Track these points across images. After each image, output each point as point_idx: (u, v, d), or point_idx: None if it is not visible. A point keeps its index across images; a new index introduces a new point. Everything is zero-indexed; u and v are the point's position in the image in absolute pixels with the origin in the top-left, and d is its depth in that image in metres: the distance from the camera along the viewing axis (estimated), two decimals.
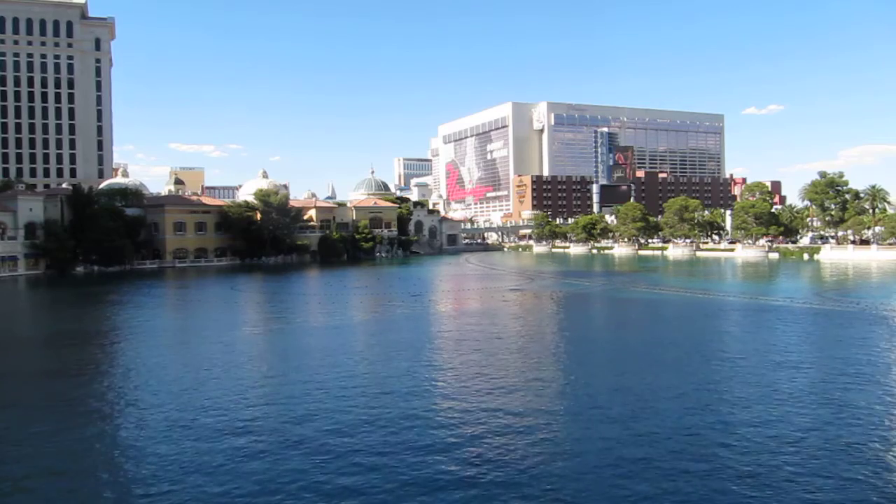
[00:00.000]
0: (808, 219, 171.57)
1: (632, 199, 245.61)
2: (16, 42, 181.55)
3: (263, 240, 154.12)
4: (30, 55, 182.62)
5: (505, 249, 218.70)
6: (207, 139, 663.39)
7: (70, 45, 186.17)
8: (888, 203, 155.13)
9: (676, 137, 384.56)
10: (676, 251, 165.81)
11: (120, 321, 62.04)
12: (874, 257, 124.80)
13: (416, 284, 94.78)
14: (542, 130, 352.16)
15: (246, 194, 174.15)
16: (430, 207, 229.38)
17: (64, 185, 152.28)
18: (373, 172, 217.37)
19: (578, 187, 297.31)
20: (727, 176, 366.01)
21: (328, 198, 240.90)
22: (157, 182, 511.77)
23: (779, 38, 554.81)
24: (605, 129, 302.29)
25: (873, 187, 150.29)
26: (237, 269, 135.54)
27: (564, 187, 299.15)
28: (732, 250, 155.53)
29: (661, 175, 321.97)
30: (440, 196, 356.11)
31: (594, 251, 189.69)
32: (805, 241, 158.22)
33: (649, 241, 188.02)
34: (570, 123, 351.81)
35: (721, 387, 31.49)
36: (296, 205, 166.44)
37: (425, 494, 19.74)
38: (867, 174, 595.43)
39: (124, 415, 28.97)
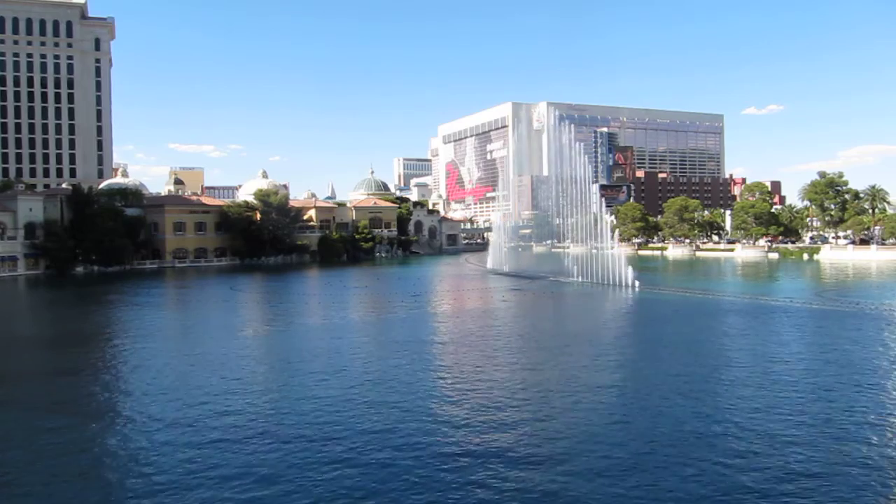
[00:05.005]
0: (808, 219, 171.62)
1: (631, 200, 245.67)
2: (16, 42, 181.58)
3: (263, 240, 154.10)
4: (30, 55, 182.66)
5: (505, 249, 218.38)
6: (207, 139, 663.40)
7: (70, 45, 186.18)
8: (888, 203, 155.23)
9: (676, 137, 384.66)
10: (676, 251, 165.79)
11: (120, 321, 62.10)
12: (874, 257, 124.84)
13: (416, 284, 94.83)
14: (541, 130, 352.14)
15: (246, 194, 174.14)
16: (430, 207, 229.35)
17: (64, 185, 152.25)
18: (372, 172, 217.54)
19: (578, 187, 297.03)
20: (727, 176, 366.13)
21: (328, 198, 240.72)
22: (157, 182, 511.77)
23: (779, 38, 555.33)
24: (605, 129, 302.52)
25: (873, 187, 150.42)
26: (237, 270, 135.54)
27: (564, 187, 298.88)
28: (732, 250, 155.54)
29: (660, 175, 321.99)
30: (440, 196, 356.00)
31: (594, 251, 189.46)
32: (805, 240, 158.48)
33: (649, 241, 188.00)
34: (570, 123, 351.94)
35: (719, 386, 31.50)
36: (296, 205, 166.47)
37: (425, 493, 19.80)
38: (867, 174, 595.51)
39: (125, 415, 28.99)
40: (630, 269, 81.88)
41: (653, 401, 29.22)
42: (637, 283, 78.45)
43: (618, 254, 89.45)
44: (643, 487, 19.97)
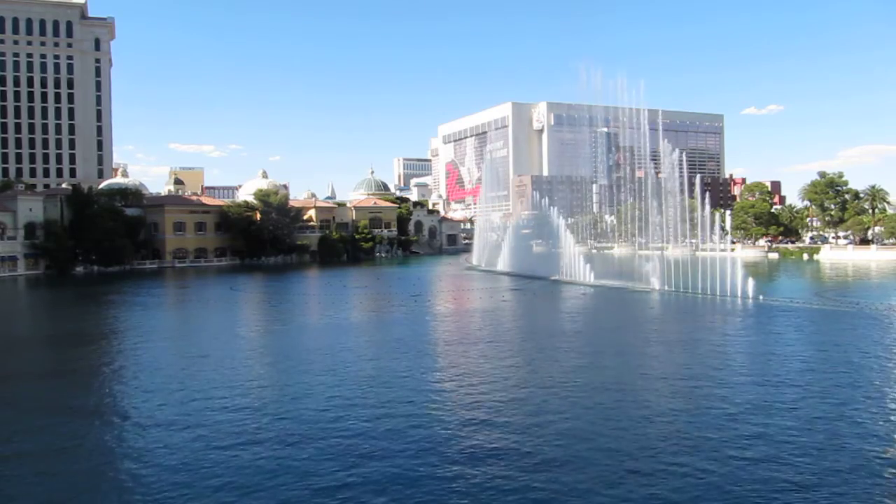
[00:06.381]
0: (808, 219, 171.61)
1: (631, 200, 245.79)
2: (16, 42, 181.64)
3: (263, 240, 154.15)
4: (30, 55, 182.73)
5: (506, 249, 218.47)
6: (207, 139, 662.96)
7: (70, 45, 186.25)
8: (888, 203, 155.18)
9: (676, 137, 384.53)
10: (676, 251, 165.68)
11: (120, 321, 62.10)
12: (874, 257, 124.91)
13: (415, 284, 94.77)
14: (541, 130, 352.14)
15: (246, 194, 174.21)
16: (430, 207, 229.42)
17: (64, 185, 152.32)
18: (372, 172, 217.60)
19: (578, 187, 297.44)
20: (727, 176, 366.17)
21: (328, 198, 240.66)
22: (157, 182, 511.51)
23: (779, 38, 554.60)
24: (605, 130, 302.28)
25: (873, 187, 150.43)
26: (237, 269, 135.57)
27: (564, 188, 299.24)
28: (732, 250, 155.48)
29: (660, 175, 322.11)
30: (440, 196, 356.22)
31: (594, 251, 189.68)
32: (805, 240, 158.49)
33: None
34: (570, 123, 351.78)
35: (718, 386, 31.48)
36: (296, 205, 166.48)
37: (423, 492, 19.80)
38: (867, 174, 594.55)
39: (125, 415, 28.96)
40: (749, 277, 66.89)
41: (652, 397, 29.12)
42: (760, 294, 64.15)
43: (728, 256, 73.65)
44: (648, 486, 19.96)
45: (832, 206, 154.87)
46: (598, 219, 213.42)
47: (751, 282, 65.13)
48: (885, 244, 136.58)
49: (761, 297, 63.08)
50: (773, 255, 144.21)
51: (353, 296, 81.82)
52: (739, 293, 64.95)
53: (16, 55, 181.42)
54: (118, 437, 25.92)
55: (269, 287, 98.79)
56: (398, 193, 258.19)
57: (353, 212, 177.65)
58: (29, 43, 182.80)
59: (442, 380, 34.58)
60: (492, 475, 20.99)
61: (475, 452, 23.05)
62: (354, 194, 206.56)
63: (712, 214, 79.12)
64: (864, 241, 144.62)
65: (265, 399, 30.76)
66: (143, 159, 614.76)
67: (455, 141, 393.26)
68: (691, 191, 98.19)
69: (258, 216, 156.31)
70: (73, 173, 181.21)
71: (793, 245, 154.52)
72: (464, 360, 39.06)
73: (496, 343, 44.46)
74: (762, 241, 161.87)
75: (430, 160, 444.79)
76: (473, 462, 22.15)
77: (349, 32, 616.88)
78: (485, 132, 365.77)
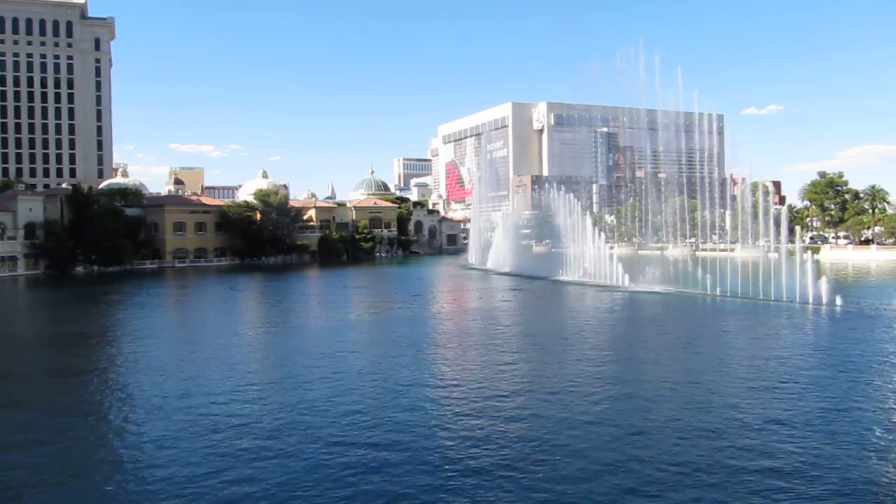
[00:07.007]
0: (808, 219, 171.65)
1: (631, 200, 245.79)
2: (16, 42, 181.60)
3: (263, 240, 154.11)
4: (30, 55, 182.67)
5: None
6: (207, 139, 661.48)
7: (70, 45, 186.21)
8: (888, 203, 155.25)
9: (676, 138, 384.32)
10: (675, 251, 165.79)
11: (120, 321, 62.12)
12: (873, 257, 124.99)
13: (416, 284, 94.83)
14: (541, 130, 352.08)
15: (246, 194, 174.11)
16: (430, 207, 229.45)
17: (64, 185, 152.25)
18: (372, 172, 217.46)
19: (578, 187, 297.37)
20: (727, 176, 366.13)
21: (328, 198, 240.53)
22: (157, 182, 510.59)
23: (779, 38, 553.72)
24: (605, 130, 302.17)
25: (873, 187, 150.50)
26: (237, 269, 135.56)
27: (564, 188, 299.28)
28: (733, 250, 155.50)
29: (660, 175, 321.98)
30: (440, 196, 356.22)
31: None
32: (805, 240, 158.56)
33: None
34: (570, 123, 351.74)
35: (716, 387, 31.52)
36: (296, 205, 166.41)
37: (422, 493, 19.82)
38: (867, 174, 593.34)
39: (126, 415, 29.00)
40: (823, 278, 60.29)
41: (651, 398, 29.12)
42: (838, 299, 57.17)
43: (804, 258, 66.49)
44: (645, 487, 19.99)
45: (832, 206, 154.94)
46: (598, 219, 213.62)
47: (823, 286, 59.49)
48: (884, 244, 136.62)
49: (838, 302, 57.02)
50: (774, 255, 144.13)
51: (353, 295, 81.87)
52: (813, 299, 59.12)
53: (16, 55, 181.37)
54: (119, 438, 25.93)
55: (270, 287, 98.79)
56: (398, 193, 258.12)
57: (353, 212, 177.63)
58: (29, 43, 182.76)
59: (457, 380, 34.62)
60: (495, 477, 21.03)
61: (480, 455, 23.08)
62: (354, 194, 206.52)
63: (722, 215, 76.16)
64: (864, 241, 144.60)
65: (265, 399, 30.77)
66: (143, 159, 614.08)
67: (455, 141, 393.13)
68: (691, 190, 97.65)
69: (258, 216, 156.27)
70: (73, 173, 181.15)
71: (793, 245, 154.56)
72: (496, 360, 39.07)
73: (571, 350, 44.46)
74: (762, 242, 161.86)
75: (430, 160, 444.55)
76: (477, 465, 22.17)
77: (349, 32, 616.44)
78: (485, 132, 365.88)
